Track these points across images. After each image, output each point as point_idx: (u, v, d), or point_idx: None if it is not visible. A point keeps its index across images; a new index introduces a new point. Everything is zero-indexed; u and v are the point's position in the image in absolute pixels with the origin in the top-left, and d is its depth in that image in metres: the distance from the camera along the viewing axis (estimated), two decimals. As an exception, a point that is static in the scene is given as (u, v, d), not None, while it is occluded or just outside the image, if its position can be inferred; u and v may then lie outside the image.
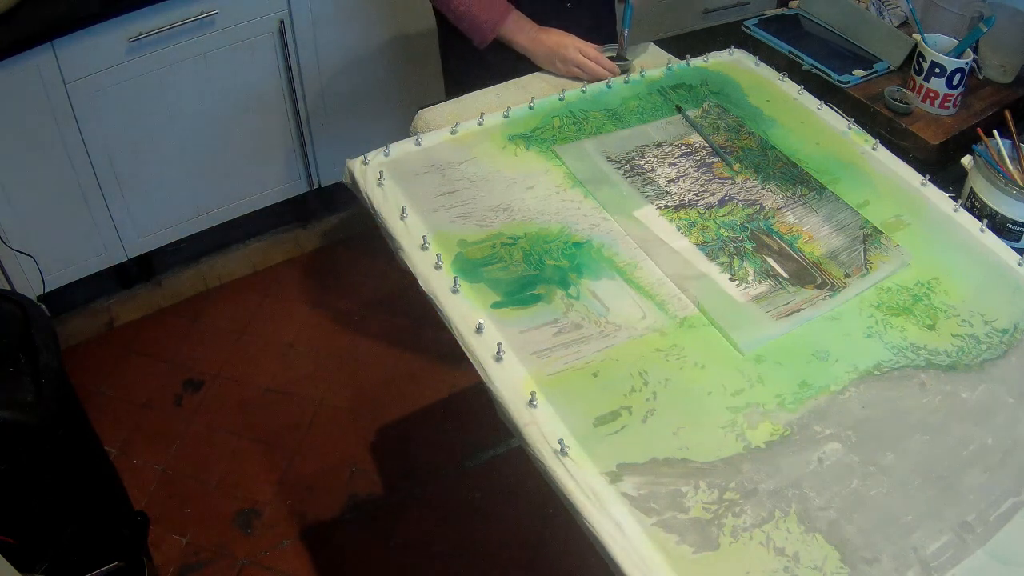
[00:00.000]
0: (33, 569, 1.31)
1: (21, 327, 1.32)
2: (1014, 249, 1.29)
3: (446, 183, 1.28)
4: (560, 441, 0.93)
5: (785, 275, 1.19)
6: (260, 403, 2.11)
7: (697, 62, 1.61)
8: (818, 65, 1.76)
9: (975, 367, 1.10)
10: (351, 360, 2.23)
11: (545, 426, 0.96)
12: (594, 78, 1.54)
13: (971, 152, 1.43)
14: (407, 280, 1.15)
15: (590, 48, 1.54)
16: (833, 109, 1.53)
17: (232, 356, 2.22)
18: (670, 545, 0.87)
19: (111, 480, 1.54)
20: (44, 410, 1.24)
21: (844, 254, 1.23)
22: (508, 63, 1.57)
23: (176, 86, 2.00)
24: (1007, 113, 1.47)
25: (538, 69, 1.57)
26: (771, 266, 1.20)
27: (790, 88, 1.57)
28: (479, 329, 1.05)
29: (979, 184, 1.38)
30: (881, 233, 1.27)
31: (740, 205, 1.30)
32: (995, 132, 1.42)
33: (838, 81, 1.72)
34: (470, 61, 1.57)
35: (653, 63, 1.62)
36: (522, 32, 1.54)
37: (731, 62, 1.64)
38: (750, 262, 1.21)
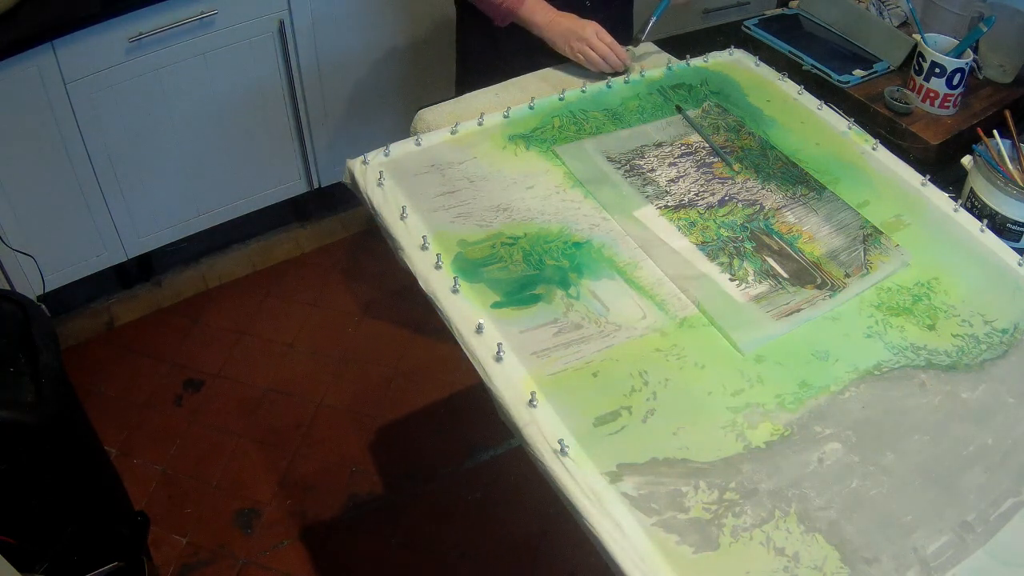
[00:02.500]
0: (33, 569, 1.31)
1: (21, 327, 1.32)
2: (1014, 249, 1.29)
3: (446, 183, 1.28)
4: (560, 441, 0.93)
5: (785, 275, 1.19)
6: (260, 403, 2.11)
7: (697, 62, 1.61)
8: (818, 65, 1.76)
9: (975, 367, 1.10)
10: (351, 360, 2.23)
11: (545, 426, 0.96)
12: (604, 62, 1.53)
13: (971, 152, 1.43)
14: (407, 280, 1.15)
15: (607, 35, 1.53)
16: (833, 109, 1.53)
17: (232, 356, 2.22)
18: (670, 545, 0.87)
19: (111, 480, 1.54)
20: (44, 410, 1.24)
21: (844, 254, 1.23)
22: (521, 48, 1.58)
23: (176, 86, 2.00)
24: (1007, 113, 1.46)
25: (551, 56, 1.57)
26: (771, 266, 1.20)
27: (790, 88, 1.57)
28: (479, 329, 1.05)
29: (979, 184, 1.38)
30: (881, 233, 1.27)
31: (740, 205, 1.30)
32: (995, 132, 1.42)
33: (838, 81, 1.72)
34: (485, 44, 1.57)
35: (653, 63, 1.62)
36: (540, 12, 1.55)
37: (731, 62, 1.64)
38: (750, 262, 1.20)
